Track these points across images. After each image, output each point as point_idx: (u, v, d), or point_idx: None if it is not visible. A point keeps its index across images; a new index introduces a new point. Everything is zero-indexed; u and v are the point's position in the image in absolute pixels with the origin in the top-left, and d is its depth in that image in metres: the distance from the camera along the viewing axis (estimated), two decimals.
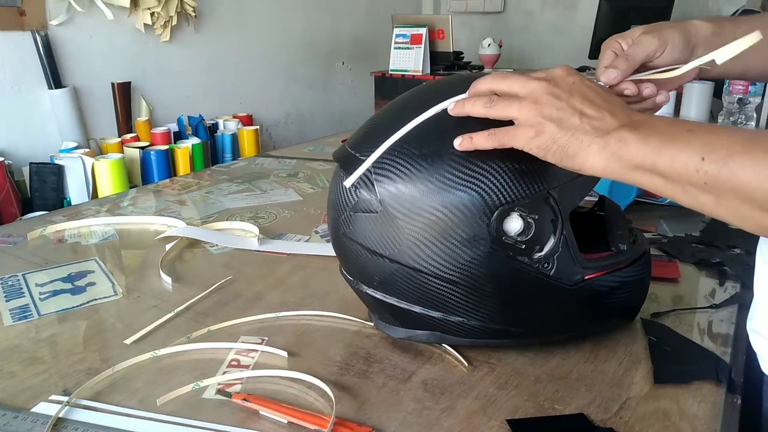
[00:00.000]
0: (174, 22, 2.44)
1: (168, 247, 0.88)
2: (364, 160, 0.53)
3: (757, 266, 0.57)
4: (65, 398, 0.53)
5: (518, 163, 0.51)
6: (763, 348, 0.56)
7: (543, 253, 0.53)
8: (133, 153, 2.11)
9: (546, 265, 0.54)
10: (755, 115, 1.47)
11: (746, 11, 2.41)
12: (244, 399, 0.52)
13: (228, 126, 2.59)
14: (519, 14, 3.68)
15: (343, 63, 3.45)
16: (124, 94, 2.29)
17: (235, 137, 2.52)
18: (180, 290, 0.76)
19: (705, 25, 0.58)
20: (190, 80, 2.60)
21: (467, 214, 0.51)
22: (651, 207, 1.03)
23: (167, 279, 0.78)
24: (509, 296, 0.55)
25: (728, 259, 0.81)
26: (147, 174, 2.14)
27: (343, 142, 0.62)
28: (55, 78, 2.07)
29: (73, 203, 1.90)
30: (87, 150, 2.04)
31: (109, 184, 1.95)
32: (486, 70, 2.98)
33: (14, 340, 0.64)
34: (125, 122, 2.31)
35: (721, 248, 0.85)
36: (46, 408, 0.52)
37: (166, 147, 2.19)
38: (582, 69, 2.67)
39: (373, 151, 0.53)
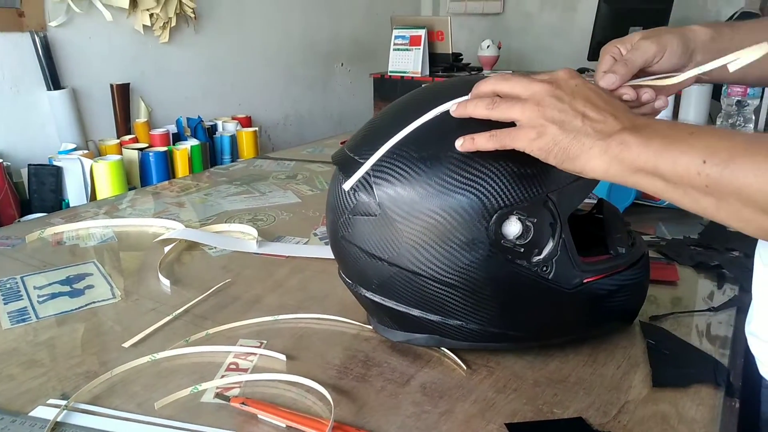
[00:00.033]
0: (173, 24, 2.44)
1: (166, 249, 0.88)
2: (363, 163, 0.53)
3: (755, 269, 0.57)
4: (63, 402, 0.53)
5: (517, 167, 0.51)
6: (761, 351, 0.56)
7: (542, 256, 0.53)
8: (132, 154, 2.11)
9: (545, 268, 0.54)
10: (753, 117, 1.48)
11: (744, 14, 2.41)
12: (243, 403, 0.52)
13: (227, 127, 2.59)
14: (518, 16, 3.68)
15: (342, 64, 3.45)
16: (122, 95, 2.29)
17: (233, 139, 2.52)
18: (178, 293, 0.76)
19: (704, 31, 0.58)
20: (189, 81, 2.60)
21: (466, 218, 0.51)
22: (649, 210, 1.03)
23: (166, 282, 0.78)
24: (508, 300, 0.55)
25: (727, 261, 0.81)
26: (146, 176, 2.14)
27: (342, 144, 0.61)
28: (53, 79, 2.07)
29: (71, 205, 1.90)
30: (86, 151, 2.04)
31: (107, 185, 1.94)
32: (485, 72, 2.98)
33: (12, 343, 0.64)
34: (124, 124, 2.31)
35: (719, 251, 0.85)
36: (44, 412, 0.52)
37: (164, 149, 2.19)
38: (581, 71, 2.66)
39: (372, 154, 0.53)
